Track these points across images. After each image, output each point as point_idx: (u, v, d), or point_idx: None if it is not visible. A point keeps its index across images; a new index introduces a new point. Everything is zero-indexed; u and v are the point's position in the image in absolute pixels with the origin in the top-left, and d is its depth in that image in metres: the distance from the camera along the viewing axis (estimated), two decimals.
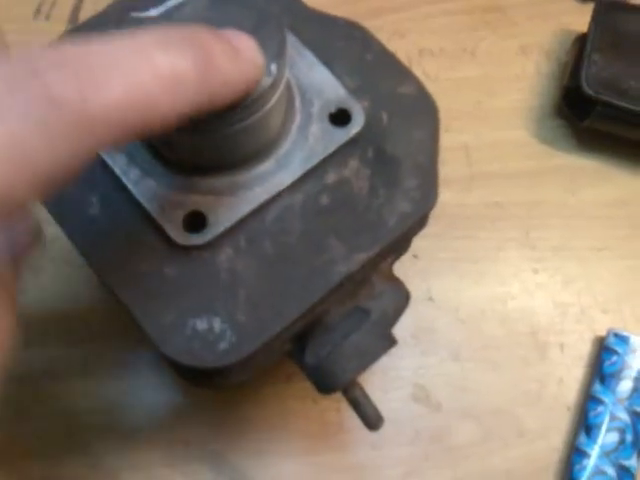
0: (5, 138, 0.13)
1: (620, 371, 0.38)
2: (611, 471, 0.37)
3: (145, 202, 0.24)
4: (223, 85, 0.17)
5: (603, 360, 0.39)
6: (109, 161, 0.25)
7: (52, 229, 0.25)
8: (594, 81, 0.42)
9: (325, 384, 0.27)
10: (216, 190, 0.25)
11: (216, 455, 0.37)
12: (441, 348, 0.40)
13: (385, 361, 0.29)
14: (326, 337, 0.27)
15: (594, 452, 0.37)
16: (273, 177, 0.25)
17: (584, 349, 0.41)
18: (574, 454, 0.38)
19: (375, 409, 0.28)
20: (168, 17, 0.22)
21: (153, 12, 0.22)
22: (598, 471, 0.37)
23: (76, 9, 0.49)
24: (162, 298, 0.24)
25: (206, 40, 0.17)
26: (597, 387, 0.39)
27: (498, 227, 0.43)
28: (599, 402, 0.38)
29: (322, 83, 0.27)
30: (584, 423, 0.38)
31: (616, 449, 0.37)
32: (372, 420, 0.28)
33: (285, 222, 0.25)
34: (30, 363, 0.38)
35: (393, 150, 0.27)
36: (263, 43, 0.20)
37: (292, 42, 0.27)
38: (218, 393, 0.38)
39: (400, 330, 0.29)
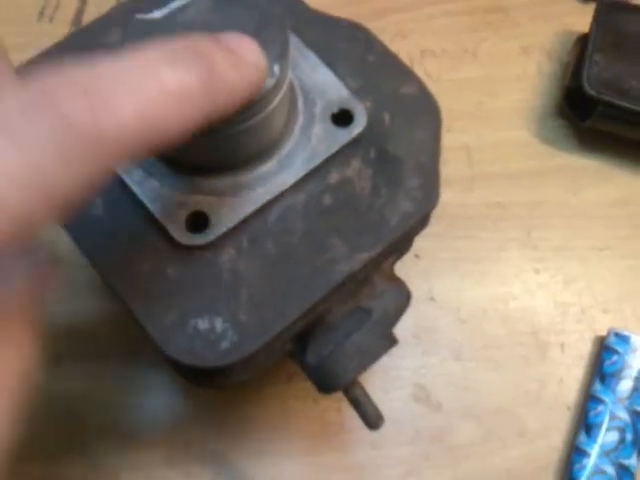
0: (24, 164, 0.13)
1: (620, 370, 0.38)
2: (611, 470, 0.37)
3: (148, 202, 0.24)
4: (229, 94, 0.17)
5: (603, 360, 0.39)
6: None
7: (54, 229, 0.25)
8: (596, 81, 0.42)
9: (326, 383, 0.27)
10: (218, 190, 0.25)
11: (217, 455, 0.37)
12: (442, 348, 0.40)
13: (386, 361, 0.29)
14: (327, 336, 0.27)
15: (594, 451, 0.37)
16: (276, 177, 0.25)
17: (585, 349, 0.41)
18: (574, 453, 0.38)
19: (376, 408, 0.28)
20: (172, 19, 0.22)
21: (157, 14, 0.22)
22: (598, 470, 0.37)
23: (79, 12, 0.49)
24: (164, 298, 0.24)
25: (207, 49, 0.17)
26: (597, 386, 0.39)
27: (499, 227, 0.44)
28: (599, 401, 0.38)
29: (325, 84, 0.27)
30: (584, 422, 0.38)
31: (616, 448, 0.37)
32: (373, 419, 0.28)
33: (287, 222, 0.25)
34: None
35: (395, 150, 0.27)
36: (266, 44, 0.20)
37: (295, 43, 0.27)
38: (219, 393, 0.38)
39: (401, 330, 0.29)
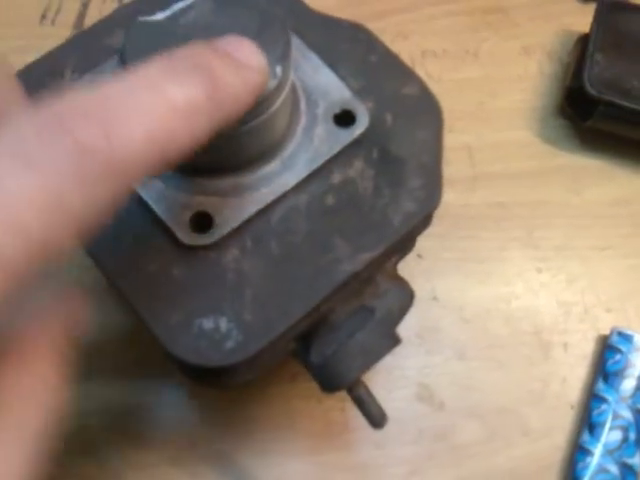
0: (43, 188, 0.13)
1: (623, 369, 0.38)
2: (614, 469, 0.37)
3: (153, 203, 0.25)
4: (234, 100, 0.17)
5: (606, 359, 0.39)
6: None
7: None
8: (597, 81, 0.42)
9: (330, 383, 0.28)
10: (222, 191, 0.25)
11: (222, 455, 0.38)
12: (446, 347, 0.40)
13: (389, 360, 0.29)
14: (331, 336, 0.27)
15: (597, 450, 0.37)
16: (278, 178, 0.25)
17: (587, 348, 0.41)
18: (577, 452, 0.38)
19: (379, 407, 0.28)
20: (174, 21, 0.22)
21: (159, 16, 0.22)
22: (601, 469, 0.37)
23: (81, 15, 0.49)
24: (169, 298, 0.24)
25: (207, 58, 0.17)
26: (600, 386, 0.39)
27: (502, 227, 0.44)
28: (602, 400, 0.38)
29: (327, 85, 0.27)
30: (587, 421, 0.38)
31: (619, 447, 0.37)
32: (376, 418, 0.28)
33: (291, 222, 0.25)
34: None
35: (397, 150, 0.27)
36: (268, 45, 0.20)
37: (297, 44, 0.27)
38: (224, 393, 0.39)
39: (405, 329, 0.29)
